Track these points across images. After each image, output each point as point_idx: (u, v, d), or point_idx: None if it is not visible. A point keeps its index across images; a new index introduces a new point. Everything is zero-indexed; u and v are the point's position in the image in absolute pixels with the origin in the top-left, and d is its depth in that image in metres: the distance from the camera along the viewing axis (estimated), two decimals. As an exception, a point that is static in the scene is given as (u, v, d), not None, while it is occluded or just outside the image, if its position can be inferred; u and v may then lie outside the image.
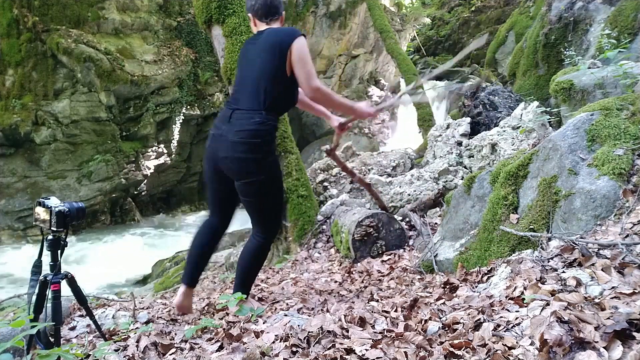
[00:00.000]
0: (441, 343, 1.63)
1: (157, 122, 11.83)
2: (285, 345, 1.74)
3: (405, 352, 1.59)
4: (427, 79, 6.13)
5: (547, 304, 1.56)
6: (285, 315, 2.20)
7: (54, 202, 1.88)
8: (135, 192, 12.04)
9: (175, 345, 2.10)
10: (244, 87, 2.49)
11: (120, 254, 9.22)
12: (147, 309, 2.84)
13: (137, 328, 2.39)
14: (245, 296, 2.44)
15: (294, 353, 1.67)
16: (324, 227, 4.59)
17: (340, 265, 3.80)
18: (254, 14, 2.58)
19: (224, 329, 2.08)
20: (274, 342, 1.78)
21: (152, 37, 11.79)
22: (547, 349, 1.33)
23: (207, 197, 2.75)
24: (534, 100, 5.01)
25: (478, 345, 1.52)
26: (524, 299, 1.72)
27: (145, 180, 11.97)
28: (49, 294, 1.83)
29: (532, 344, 1.42)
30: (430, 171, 5.00)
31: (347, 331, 1.90)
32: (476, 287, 2.20)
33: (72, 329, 2.50)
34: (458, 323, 1.74)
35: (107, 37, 11.11)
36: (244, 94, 2.46)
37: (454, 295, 2.18)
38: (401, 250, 3.72)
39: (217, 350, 1.90)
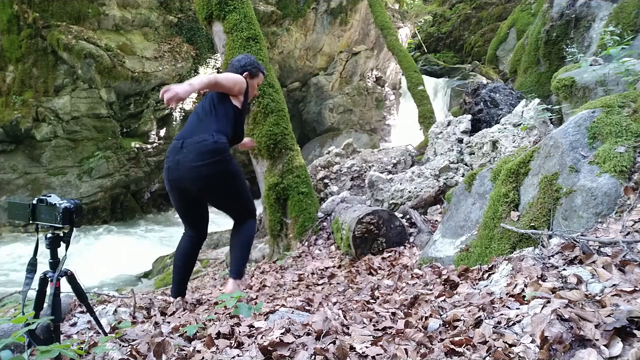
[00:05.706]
0: (442, 340, 1.63)
1: (157, 118, 11.82)
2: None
3: (405, 349, 1.58)
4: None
5: (548, 302, 1.56)
6: (286, 312, 2.20)
7: (55, 199, 1.88)
8: (136, 189, 12.04)
9: (174, 341, 2.09)
10: None
11: (121, 250, 9.23)
12: (147, 306, 2.84)
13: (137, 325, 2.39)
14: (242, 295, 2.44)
15: (294, 350, 1.67)
16: (325, 224, 4.59)
17: (340, 262, 3.80)
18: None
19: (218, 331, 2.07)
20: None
21: (152, 33, 11.77)
22: (547, 347, 1.33)
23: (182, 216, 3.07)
24: (535, 98, 5.00)
25: (479, 343, 1.52)
26: (524, 296, 1.72)
27: (146, 177, 11.97)
28: (49, 290, 1.82)
29: (532, 341, 1.42)
30: (431, 168, 4.99)
31: (348, 328, 1.90)
32: (477, 284, 2.20)
33: (73, 325, 2.50)
34: (458, 320, 1.74)
35: (108, 34, 11.10)
36: None
37: (455, 292, 2.18)
38: (402, 247, 3.72)
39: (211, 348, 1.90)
